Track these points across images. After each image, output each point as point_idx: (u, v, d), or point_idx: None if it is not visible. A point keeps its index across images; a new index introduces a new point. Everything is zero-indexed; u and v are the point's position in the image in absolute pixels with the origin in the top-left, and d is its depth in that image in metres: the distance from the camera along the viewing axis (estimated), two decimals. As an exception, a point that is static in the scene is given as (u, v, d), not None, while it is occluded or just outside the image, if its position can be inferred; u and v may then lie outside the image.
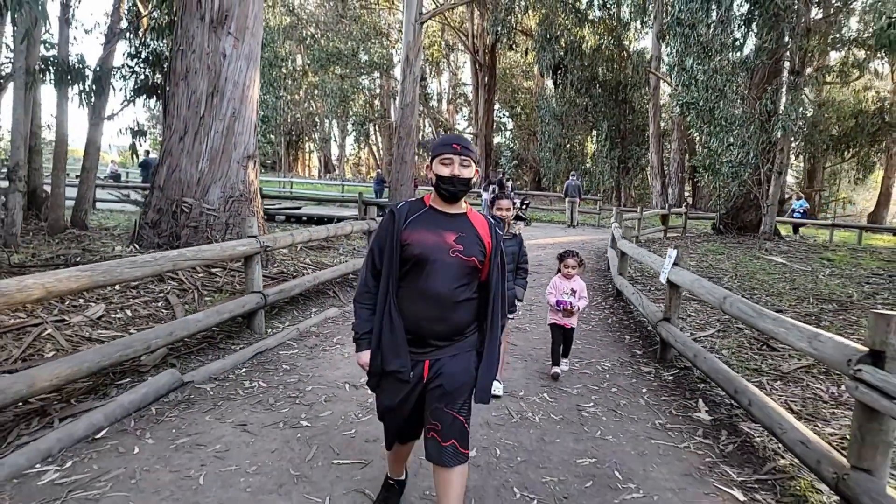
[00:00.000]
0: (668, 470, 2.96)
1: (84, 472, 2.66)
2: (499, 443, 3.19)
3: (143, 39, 11.04)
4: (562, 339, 4.44)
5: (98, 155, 12.02)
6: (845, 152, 26.85)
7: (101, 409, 3.11)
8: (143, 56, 11.01)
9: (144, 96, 10.78)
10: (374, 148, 47.91)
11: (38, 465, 2.68)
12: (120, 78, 10.85)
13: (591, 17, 28.69)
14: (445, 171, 2.00)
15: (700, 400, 3.93)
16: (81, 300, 4.80)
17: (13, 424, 3.00)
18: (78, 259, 6.19)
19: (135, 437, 3.02)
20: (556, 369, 4.35)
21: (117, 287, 5.22)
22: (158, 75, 10.99)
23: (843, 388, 4.05)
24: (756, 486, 2.83)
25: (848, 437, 2.86)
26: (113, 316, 4.61)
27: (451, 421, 2.03)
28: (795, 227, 18.70)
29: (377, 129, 44.84)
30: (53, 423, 3.03)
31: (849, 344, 2.41)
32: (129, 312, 4.72)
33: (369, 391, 3.80)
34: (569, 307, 4.26)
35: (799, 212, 19.77)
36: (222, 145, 6.66)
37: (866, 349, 2.27)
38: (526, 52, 34.52)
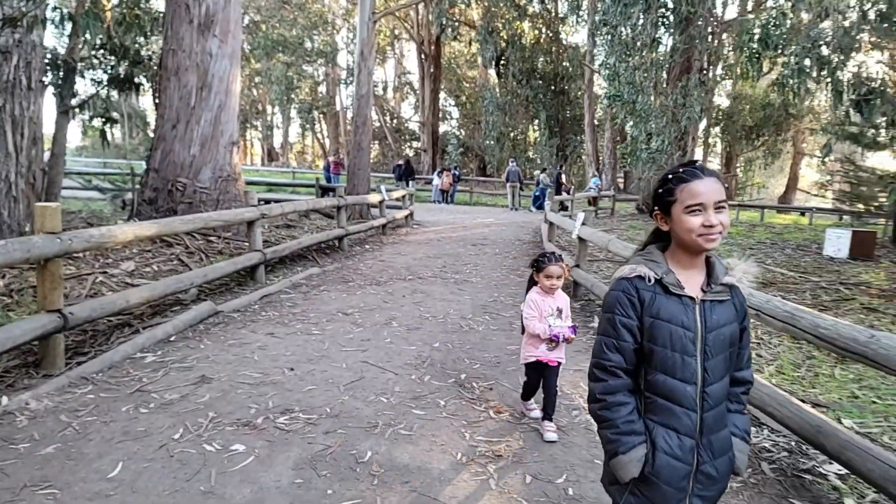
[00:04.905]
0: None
1: (173, 356, 3.90)
2: (454, 342, 4.62)
3: (108, 32, 11.71)
4: (540, 383, 3.07)
5: (65, 141, 12.64)
6: (756, 140, 29.90)
7: (169, 323, 4.33)
8: (108, 48, 11.68)
9: (115, 88, 11.49)
10: (319, 136, 48.34)
11: (138, 354, 3.90)
12: (87, 69, 11.54)
13: (530, 12, 30.48)
14: None
15: (595, 316, 5.50)
16: (111, 259, 5.88)
17: (111, 331, 4.20)
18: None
19: (196, 341, 4.26)
20: (547, 432, 2.95)
21: (135, 250, 6.30)
22: (124, 66, 11.71)
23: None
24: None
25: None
26: (143, 270, 5.74)
27: None
28: (590, 202, 21.03)
29: (323, 116, 45.27)
30: (139, 331, 4.24)
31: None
32: (154, 268, 5.85)
33: (358, 316, 5.15)
34: (566, 337, 2.95)
35: (594, 188, 22.51)
36: (211, 132, 7.74)
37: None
38: (470, 43, 36.03)
